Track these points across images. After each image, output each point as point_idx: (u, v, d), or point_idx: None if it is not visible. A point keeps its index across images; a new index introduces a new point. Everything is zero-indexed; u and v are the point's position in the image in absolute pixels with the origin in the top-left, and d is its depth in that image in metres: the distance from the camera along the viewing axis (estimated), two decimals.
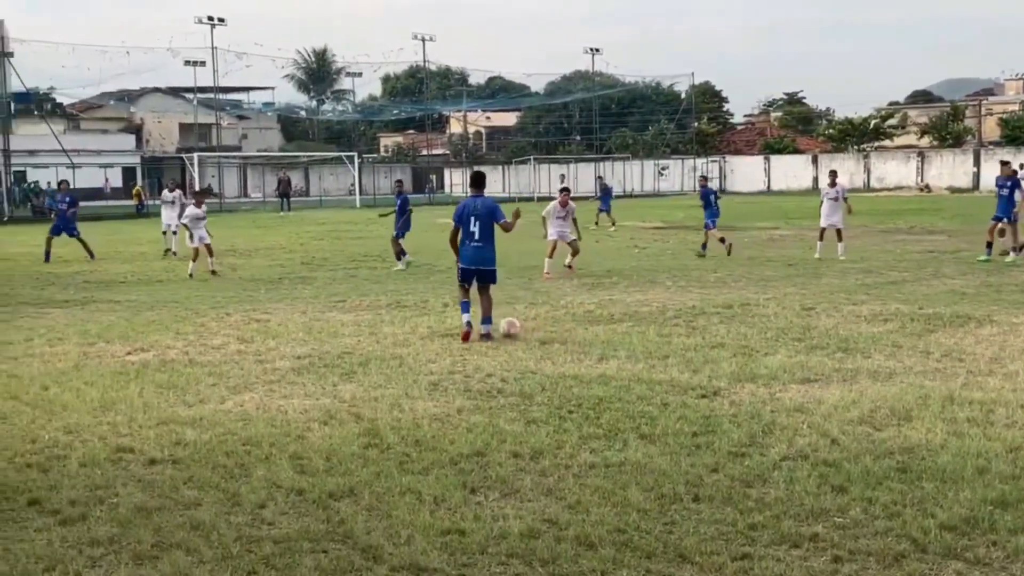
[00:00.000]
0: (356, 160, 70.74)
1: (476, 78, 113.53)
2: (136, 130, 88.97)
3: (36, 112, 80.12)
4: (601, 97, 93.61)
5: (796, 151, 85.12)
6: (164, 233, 28.60)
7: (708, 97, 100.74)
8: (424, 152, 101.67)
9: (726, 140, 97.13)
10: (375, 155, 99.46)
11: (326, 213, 55.00)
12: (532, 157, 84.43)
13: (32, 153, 67.66)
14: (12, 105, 69.64)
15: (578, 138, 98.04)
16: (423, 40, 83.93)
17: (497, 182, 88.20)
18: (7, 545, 5.76)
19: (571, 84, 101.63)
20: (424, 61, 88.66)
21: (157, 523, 6.07)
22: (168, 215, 28.43)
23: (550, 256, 20.60)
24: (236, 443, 7.79)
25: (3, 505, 6.46)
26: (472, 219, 12.49)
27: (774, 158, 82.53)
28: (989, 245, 21.45)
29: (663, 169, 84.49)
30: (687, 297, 16.08)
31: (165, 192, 29.32)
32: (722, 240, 24.21)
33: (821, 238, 23.02)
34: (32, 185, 64.15)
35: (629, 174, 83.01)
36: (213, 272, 21.71)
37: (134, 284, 20.32)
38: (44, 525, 6.10)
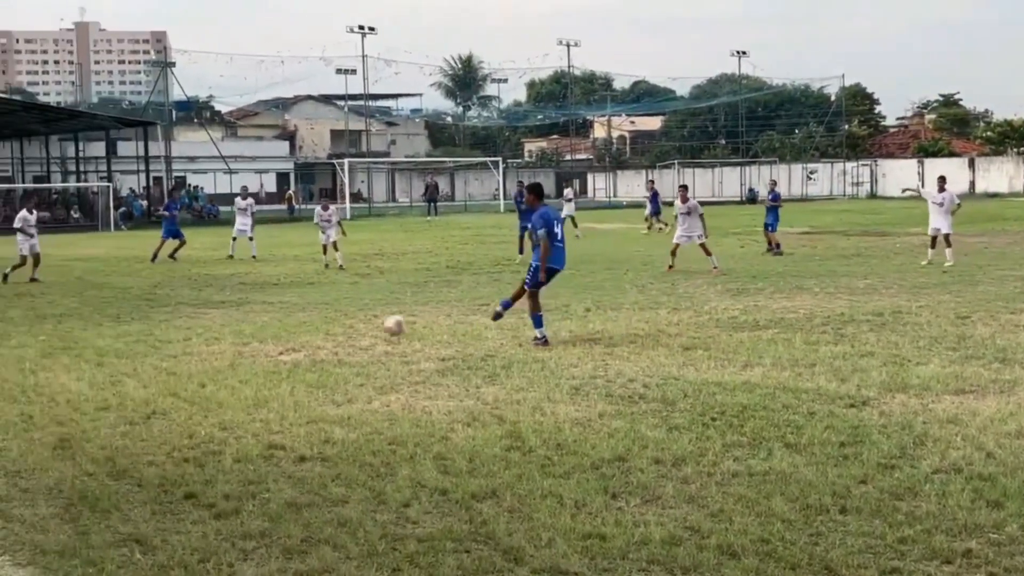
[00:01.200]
0: (500, 165, 71.39)
1: (621, 82, 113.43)
2: (289, 136, 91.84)
3: (196, 120, 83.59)
4: (747, 100, 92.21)
5: (952, 154, 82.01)
6: (234, 239, 29.60)
7: (859, 99, 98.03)
8: (568, 157, 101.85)
9: (877, 143, 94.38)
10: (519, 160, 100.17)
11: (471, 217, 55.66)
12: (676, 161, 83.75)
13: (192, 159, 70.61)
14: (174, 113, 72.85)
15: (723, 142, 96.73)
16: (568, 45, 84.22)
17: (641, 187, 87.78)
18: (165, 536, 6.01)
19: (717, 87, 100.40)
20: (569, 66, 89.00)
21: (306, 519, 6.25)
22: (241, 221, 29.64)
23: (672, 253, 22.10)
24: (382, 442, 7.96)
25: (162, 498, 6.75)
26: (555, 223, 12.92)
27: (928, 161, 79.64)
28: None
29: (811, 173, 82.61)
30: (835, 304, 15.68)
31: (238, 199, 30.52)
32: (777, 245, 26.17)
33: (932, 245, 22.29)
34: (192, 189, 66.81)
35: (776, 178, 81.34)
36: (340, 267, 24.26)
37: (287, 286, 20.96)
38: (200, 518, 6.34)
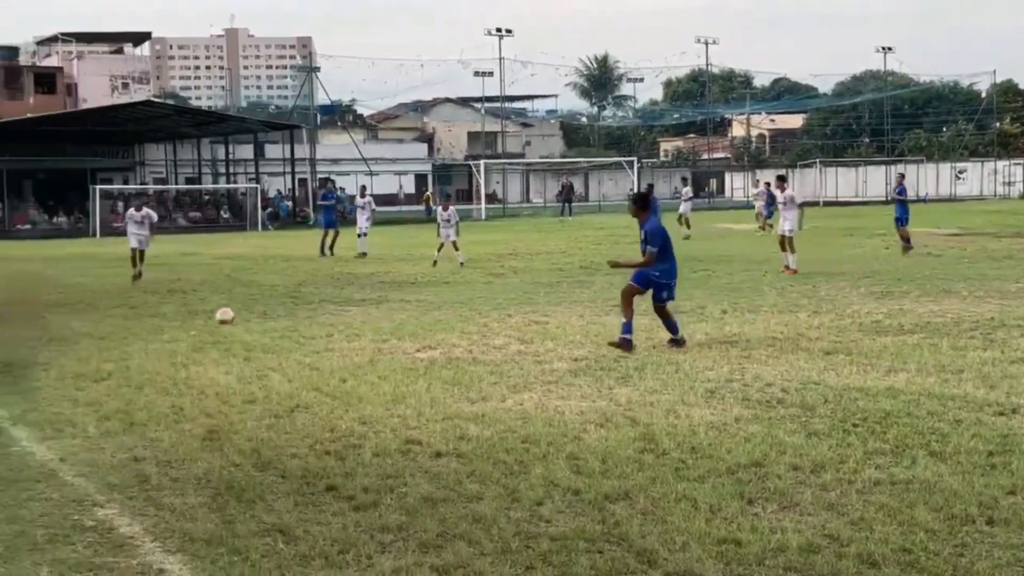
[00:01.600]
0: (635, 165, 71.04)
1: (760, 80, 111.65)
2: (428, 138, 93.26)
3: (339, 123, 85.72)
4: (893, 97, 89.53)
5: None
6: (359, 236, 30.64)
7: (1011, 96, 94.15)
8: (705, 156, 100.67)
9: None
10: (654, 160, 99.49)
11: (605, 218, 55.49)
12: (818, 160, 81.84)
13: (335, 161, 72.36)
14: (318, 116, 74.82)
15: (867, 140, 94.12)
16: (706, 43, 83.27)
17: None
18: (307, 527, 6.19)
19: (861, 84, 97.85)
20: (707, 64, 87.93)
21: (442, 514, 6.35)
22: (361, 219, 31.13)
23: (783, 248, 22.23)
24: (515, 440, 8.02)
25: (304, 489, 6.95)
26: (668, 239, 12.52)
27: None
28: None
29: (960, 172, 79.76)
30: (985, 308, 15.10)
31: (358, 198, 32.73)
32: (907, 240, 26.13)
33: None
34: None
35: (923, 177, 78.82)
36: (461, 264, 25.33)
37: (423, 285, 21.30)
38: (340, 510, 6.51)
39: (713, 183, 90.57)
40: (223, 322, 15.24)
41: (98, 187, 49.99)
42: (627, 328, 12.17)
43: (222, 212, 59.84)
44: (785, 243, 21.89)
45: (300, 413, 9.17)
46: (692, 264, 23.49)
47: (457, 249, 26.05)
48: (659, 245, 12.33)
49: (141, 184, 63.26)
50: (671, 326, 12.54)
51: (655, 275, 12.36)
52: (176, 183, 65.60)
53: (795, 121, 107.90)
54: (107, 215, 50.24)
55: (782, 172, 29.92)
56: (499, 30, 71.21)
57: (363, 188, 34.70)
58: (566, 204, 62.97)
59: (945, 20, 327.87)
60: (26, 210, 55.85)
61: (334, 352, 12.43)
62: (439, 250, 26.38)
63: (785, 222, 22.29)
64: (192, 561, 5.70)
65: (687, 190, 42.50)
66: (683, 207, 39.01)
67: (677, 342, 12.32)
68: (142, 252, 23.16)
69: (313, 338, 13.62)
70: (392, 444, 7.98)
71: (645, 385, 10.07)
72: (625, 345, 12.02)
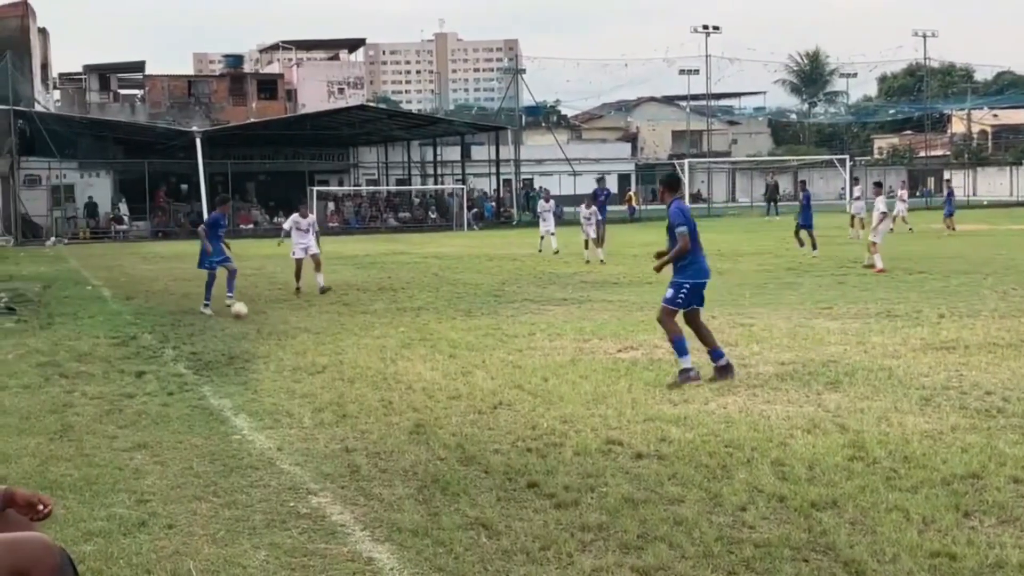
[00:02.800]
0: (848, 163, 68.69)
1: (983, 73, 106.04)
2: (632, 138, 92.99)
3: (543, 124, 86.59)
4: None
5: None
6: (542, 238, 32.07)
7: None
8: (921, 153, 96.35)
9: None
10: (868, 157, 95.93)
11: (815, 218, 53.84)
12: None
13: (539, 162, 73.17)
14: (523, 118, 75.80)
15: None
16: (924, 36, 79.77)
17: (1004, 185, 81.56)
18: (509, 523, 6.28)
19: None
20: (925, 58, 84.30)
21: (642, 515, 6.32)
22: (544, 224, 32.41)
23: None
24: (718, 444, 7.91)
25: (506, 485, 7.06)
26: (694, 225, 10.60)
27: None
28: None
29: None
30: None
31: (541, 202, 34.04)
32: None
33: None
34: (539, 191, 69.22)
35: None
36: (601, 262, 26.63)
37: (626, 285, 21.26)
38: (541, 507, 6.57)
39: (931, 181, 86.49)
40: (238, 316, 16.33)
41: (315, 188, 52.22)
42: (681, 348, 10.38)
43: (430, 212, 61.44)
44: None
45: (503, 410, 9.32)
46: (908, 265, 22.54)
47: (599, 246, 27.74)
48: (681, 223, 10.50)
49: (355, 186, 65.70)
50: (711, 345, 10.61)
51: (686, 285, 10.69)
52: (387, 184, 67.77)
53: (1020, 116, 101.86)
54: (323, 216, 52.38)
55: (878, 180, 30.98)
56: (706, 27, 70.42)
57: (546, 191, 36.56)
58: (772, 203, 61.55)
59: None
60: (249, 210, 58.87)
61: (536, 351, 12.57)
62: (587, 247, 28.01)
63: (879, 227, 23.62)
64: (399, 551, 5.88)
65: (903, 192, 41.35)
66: (899, 207, 38.02)
67: (725, 369, 10.43)
68: (317, 260, 20.61)
69: (515, 336, 13.82)
70: (593, 444, 8.01)
71: (855, 391, 9.73)
72: (688, 378, 10.22)
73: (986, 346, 11.98)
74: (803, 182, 37.98)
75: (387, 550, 5.90)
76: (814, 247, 28.07)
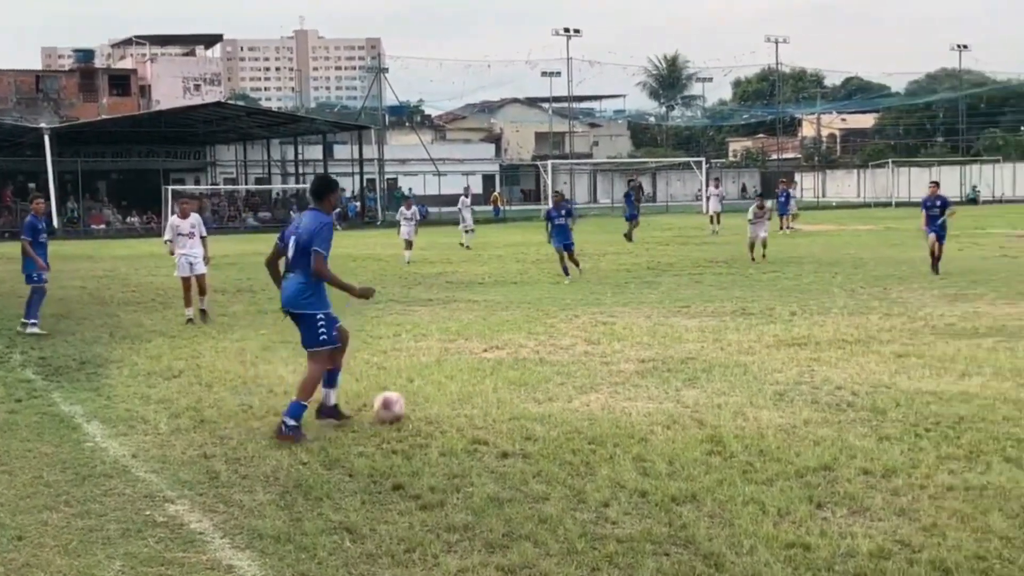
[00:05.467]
0: (704, 165, 70.47)
1: (831, 79, 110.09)
2: (496, 139, 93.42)
3: (407, 124, 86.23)
4: (969, 96, 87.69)
5: None
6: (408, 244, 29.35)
7: None
8: (774, 156, 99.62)
9: None
10: (723, 160, 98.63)
11: (672, 218, 55.16)
12: (890, 160, 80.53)
13: (403, 162, 72.84)
14: (386, 117, 75.34)
15: (941, 140, 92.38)
16: (776, 42, 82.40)
17: (852, 187, 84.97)
18: (374, 526, 6.23)
19: (935, 83, 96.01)
20: (777, 63, 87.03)
21: (508, 514, 6.34)
22: (405, 229, 29.54)
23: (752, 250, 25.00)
24: (582, 441, 8.00)
25: (371, 488, 6.99)
26: (292, 241, 8.78)
27: None
28: None
29: None
30: None
31: (403, 208, 30.91)
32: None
33: None
34: (401, 191, 68.96)
35: (1000, 178, 77.16)
36: (407, 263, 26.99)
37: (491, 285, 21.34)
38: (406, 509, 6.54)
39: (786, 182, 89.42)
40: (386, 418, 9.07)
41: (170, 187, 50.84)
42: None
43: (291, 212, 60.47)
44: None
45: (368, 412, 9.23)
46: (760, 265, 23.25)
47: (410, 248, 28.23)
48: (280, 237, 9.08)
49: (212, 185, 64.25)
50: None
51: None
52: (246, 183, 66.48)
53: (867, 121, 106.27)
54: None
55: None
56: (567, 30, 71.18)
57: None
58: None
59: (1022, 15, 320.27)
60: (100, 210, 57.00)
61: (401, 352, 12.51)
62: (408, 248, 28.33)
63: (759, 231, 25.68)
64: (260, 558, 5.77)
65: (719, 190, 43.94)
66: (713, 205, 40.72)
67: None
68: (201, 281, 16.30)
69: (380, 338, 13.72)
70: (458, 444, 8.00)
71: (713, 387, 9.98)
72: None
73: (836, 342, 12.44)
74: (631, 181, 42.31)
75: (248, 557, 5.78)
76: (628, 239, 34.12)
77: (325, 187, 8.98)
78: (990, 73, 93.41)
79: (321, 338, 8.64)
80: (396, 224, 30.96)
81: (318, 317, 8.63)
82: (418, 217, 30.15)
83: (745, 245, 25.97)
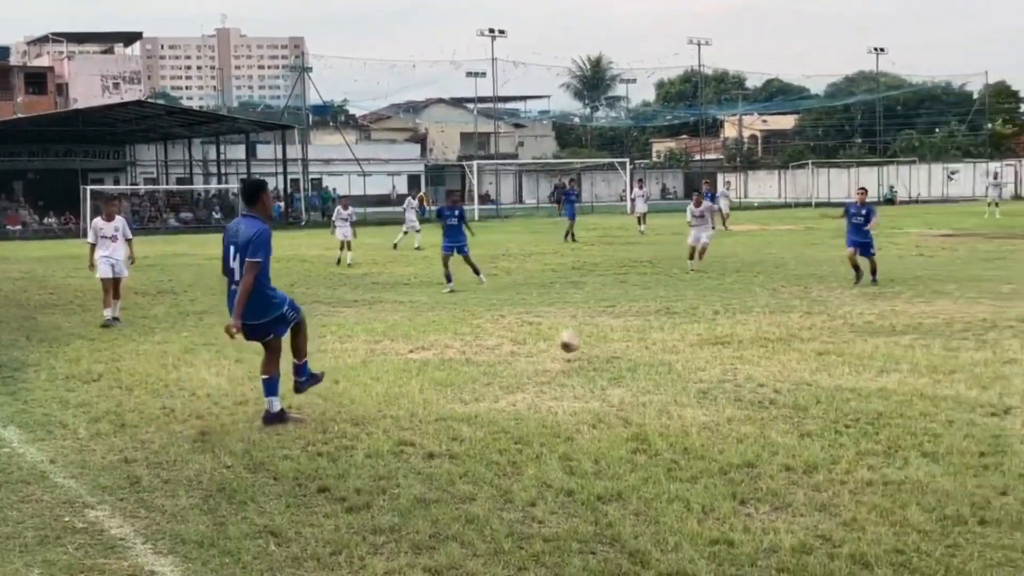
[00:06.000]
0: (628, 166, 71.02)
1: (753, 81, 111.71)
2: (421, 140, 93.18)
3: (331, 123, 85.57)
4: (885, 98, 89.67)
5: None
6: (342, 246, 28.25)
7: (1003, 97, 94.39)
8: (697, 157, 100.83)
9: (1023, 143, 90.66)
10: (647, 160, 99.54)
11: (597, 219, 55.50)
12: (810, 161, 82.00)
13: (327, 162, 72.27)
14: (310, 117, 74.66)
15: (860, 141, 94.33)
16: (698, 44, 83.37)
17: (773, 187, 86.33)
18: (299, 529, 6.17)
19: (853, 85, 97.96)
20: (699, 65, 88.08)
21: (434, 515, 6.33)
22: (340, 230, 28.37)
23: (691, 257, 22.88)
24: (509, 441, 8.02)
25: (296, 491, 6.93)
26: (232, 250, 8.68)
27: None
28: None
29: (952, 173, 79.82)
30: (976, 309, 15.13)
31: (339, 209, 29.74)
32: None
33: None
34: (326, 191, 68.44)
35: (915, 179, 79.05)
36: (350, 265, 26.04)
37: (416, 286, 21.27)
38: (332, 511, 6.49)
39: (709, 183, 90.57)
40: (567, 346, 11.39)
41: (89, 188, 49.81)
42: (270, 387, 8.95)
43: (214, 212, 59.70)
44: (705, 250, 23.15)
45: (292, 414, 9.13)
46: (684, 264, 23.50)
47: (351, 249, 27.37)
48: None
49: (132, 185, 63.12)
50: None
51: None
52: (167, 183, 65.43)
53: (787, 122, 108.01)
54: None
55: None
56: (491, 31, 71.23)
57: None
58: (560, 205, 63.15)
59: (938, 22, 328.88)
60: (16, 211, 55.67)
61: (326, 353, 12.40)
62: (342, 249, 27.60)
63: (702, 233, 23.16)
64: (183, 563, 5.68)
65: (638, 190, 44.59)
66: (722, 203, 41.60)
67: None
68: (117, 285, 16.02)
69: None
70: (384, 445, 7.97)
71: (638, 386, 10.06)
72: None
73: (758, 341, 12.63)
74: (570, 180, 43.29)
75: (171, 563, 5.70)
76: (572, 238, 34.68)
77: (255, 189, 8.93)
78: (906, 76, 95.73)
79: (291, 316, 8.91)
80: (331, 225, 30.06)
81: (285, 310, 8.85)
82: (354, 218, 29.15)
83: (686, 249, 23.46)
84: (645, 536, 5.92)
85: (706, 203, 23.64)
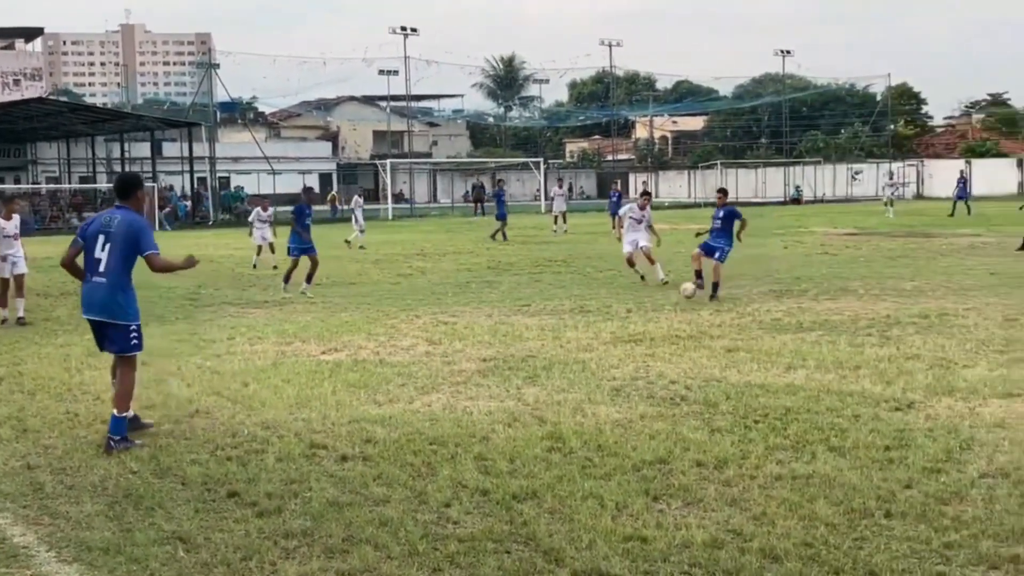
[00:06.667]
0: (542, 165, 71.34)
1: (663, 82, 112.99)
2: (332, 138, 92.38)
3: (240, 121, 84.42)
4: (791, 100, 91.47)
5: (1000, 154, 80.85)
6: (259, 249, 26.75)
7: (905, 99, 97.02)
8: (609, 157, 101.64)
9: (924, 143, 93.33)
10: (560, 160, 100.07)
11: (512, 218, 55.51)
12: (719, 162, 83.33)
13: (236, 160, 71.23)
14: (218, 114, 73.49)
15: (766, 142, 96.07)
16: (610, 45, 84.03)
17: (683, 187, 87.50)
18: (208, 534, 6.06)
19: (760, 87, 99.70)
20: (611, 66, 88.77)
21: (348, 518, 6.27)
22: (257, 233, 27.22)
23: (632, 266, 20.26)
24: (423, 442, 7.98)
25: (205, 496, 6.80)
26: (101, 240, 8.25)
27: (975, 162, 78.64)
28: None
29: (856, 173, 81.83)
30: (881, 306, 15.51)
31: (258, 210, 28.14)
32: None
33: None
34: (235, 190, 67.47)
35: (821, 178, 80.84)
36: (275, 267, 23.86)
37: (328, 286, 21.06)
38: (243, 516, 6.38)
39: (618, 184, 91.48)
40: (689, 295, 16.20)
41: None
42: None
43: (93, 213, 58.37)
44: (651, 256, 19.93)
45: (200, 418, 8.98)
46: (597, 263, 23.67)
47: (273, 251, 25.42)
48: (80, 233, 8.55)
49: (33, 183, 61.46)
50: None
51: None
52: (70, 182, 63.84)
53: (697, 123, 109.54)
54: None
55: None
56: (404, 28, 70.83)
57: (264, 201, 31.51)
58: (478, 204, 63.20)
59: (843, 25, 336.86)
60: None
61: (236, 355, 12.21)
62: (258, 254, 25.88)
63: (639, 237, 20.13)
64: (89, 571, 5.54)
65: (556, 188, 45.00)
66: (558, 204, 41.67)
67: None
68: (20, 282, 15.93)
69: (213, 341, 13.37)
70: (296, 449, 7.87)
71: (552, 384, 10.10)
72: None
73: (669, 338, 12.78)
74: (499, 180, 42.72)
75: (76, 571, 5.56)
76: (502, 237, 34.61)
77: (131, 184, 8.62)
78: (812, 78, 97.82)
79: (133, 343, 8.25)
80: (248, 226, 27.75)
81: (131, 328, 8.23)
82: (273, 219, 27.13)
83: (623, 259, 20.62)
84: (560, 534, 5.93)
85: (650, 210, 20.52)
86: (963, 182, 48.25)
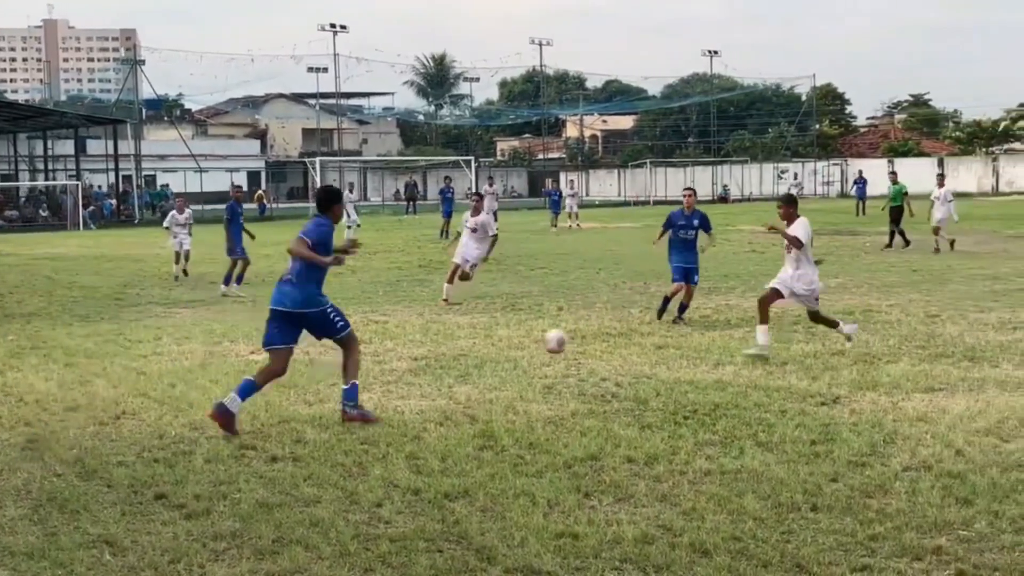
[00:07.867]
0: (473, 164, 71.28)
1: (593, 82, 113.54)
2: (261, 135, 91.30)
3: (166, 118, 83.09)
4: (719, 100, 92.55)
5: (921, 154, 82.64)
6: (177, 255, 23.21)
7: (830, 99, 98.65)
8: (540, 156, 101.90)
9: (848, 143, 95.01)
10: (492, 159, 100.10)
11: (441, 217, 55.44)
12: (648, 161, 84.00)
13: (162, 158, 70.07)
14: (143, 111, 72.27)
15: (694, 141, 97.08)
16: (540, 44, 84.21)
17: (613, 186, 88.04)
18: (135, 537, 5.96)
19: (689, 87, 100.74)
20: (541, 65, 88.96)
21: (278, 519, 6.21)
22: (175, 239, 23.94)
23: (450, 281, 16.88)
24: (354, 442, 7.93)
25: (132, 498, 6.69)
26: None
27: (898, 161, 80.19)
28: None
29: (782, 173, 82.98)
30: None
31: (174, 213, 24.21)
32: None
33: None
34: (160, 188, 66.41)
35: (748, 178, 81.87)
36: (185, 273, 22.37)
37: (257, 285, 20.79)
38: (170, 519, 6.29)
39: (549, 183, 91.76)
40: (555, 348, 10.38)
41: None
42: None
43: (40, 210, 57.11)
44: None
45: (126, 420, 8.84)
46: (528, 262, 23.73)
47: (187, 260, 22.65)
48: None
49: None
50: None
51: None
52: None
53: (626, 122, 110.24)
54: None
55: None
56: (333, 26, 70.28)
57: (181, 200, 28.97)
58: (411, 202, 63.04)
59: (769, 26, 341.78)
60: None
61: (163, 356, 12.03)
62: (176, 261, 22.58)
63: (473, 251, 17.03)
64: None
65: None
66: (569, 203, 43.56)
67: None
68: None
69: (140, 341, 13.15)
70: (225, 450, 7.78)
71: (484, 383, 10.10)
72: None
73: (600, 335, 12.86)
74: (446, 178, 43.89)
75: None
76: (446, 235, 34.13)
77: (329, 198, 9.13)
78: (739, 78, 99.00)
79: (339, 324, 8.84)
80: (166, 229, 23.69)
81: (328, 310, 8.83)
82: (191, 221, 23.50)
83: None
84: (492, 532, 5.94)
85: (484, 216, 17.23)
86: (862, 182, 50.07)
